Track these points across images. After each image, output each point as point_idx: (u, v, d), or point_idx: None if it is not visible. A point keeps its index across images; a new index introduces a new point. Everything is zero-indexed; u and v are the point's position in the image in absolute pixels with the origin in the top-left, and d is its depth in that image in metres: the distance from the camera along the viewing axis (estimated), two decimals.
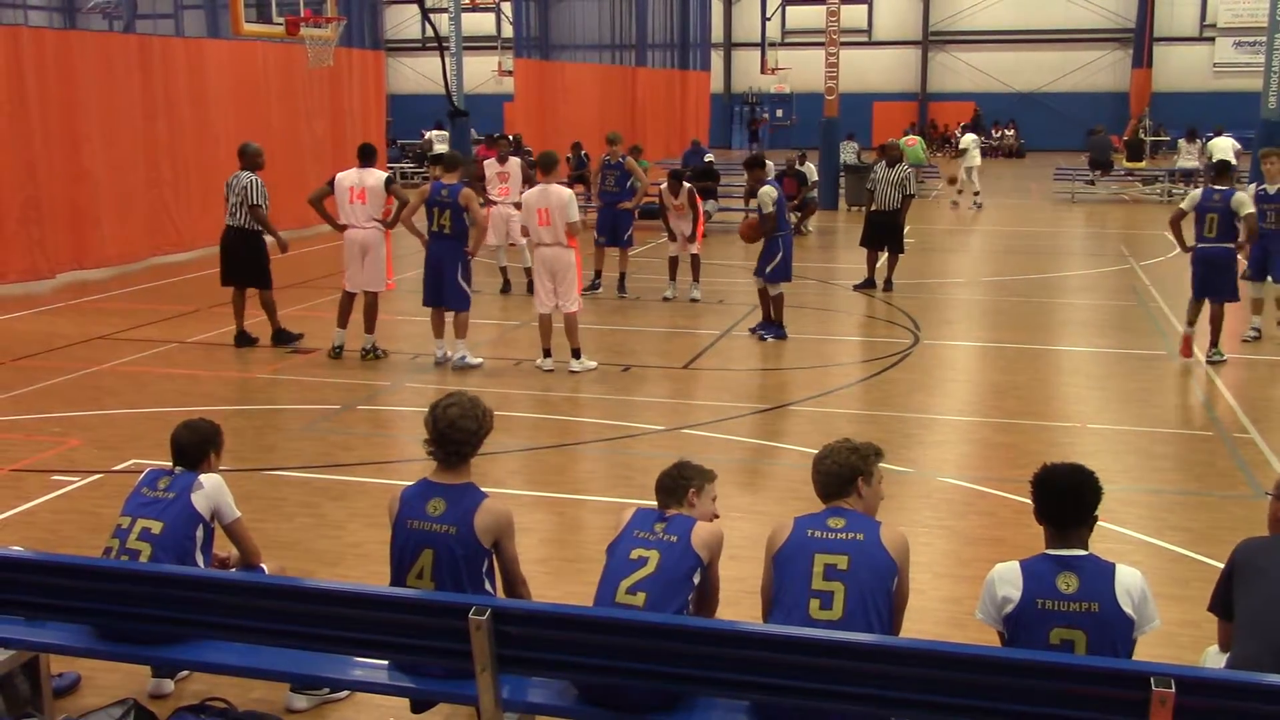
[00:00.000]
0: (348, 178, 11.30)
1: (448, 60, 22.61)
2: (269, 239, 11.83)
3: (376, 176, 11.31)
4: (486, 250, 13.77)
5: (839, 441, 4.43)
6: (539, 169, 11.23)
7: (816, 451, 4.42)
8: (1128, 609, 3.80)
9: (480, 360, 11.21)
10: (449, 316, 11.10)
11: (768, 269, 12.21)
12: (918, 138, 33.16)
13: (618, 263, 15.20)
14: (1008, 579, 3.92)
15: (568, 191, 11.01)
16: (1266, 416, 9.49)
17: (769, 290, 12.34)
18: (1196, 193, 11.76)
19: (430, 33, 26.10)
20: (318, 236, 19.75)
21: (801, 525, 4.20)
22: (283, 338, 11.86)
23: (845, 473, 4.30)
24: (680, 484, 4.50)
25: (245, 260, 11.69)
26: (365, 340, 11.38)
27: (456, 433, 4.46)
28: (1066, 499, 3.96)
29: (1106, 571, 3.87)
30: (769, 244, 12.24)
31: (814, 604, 4.00)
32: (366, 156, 11.43)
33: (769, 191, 12.24)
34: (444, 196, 10.77)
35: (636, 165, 15.81)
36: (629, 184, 15.29)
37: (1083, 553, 3.92)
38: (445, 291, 10.92)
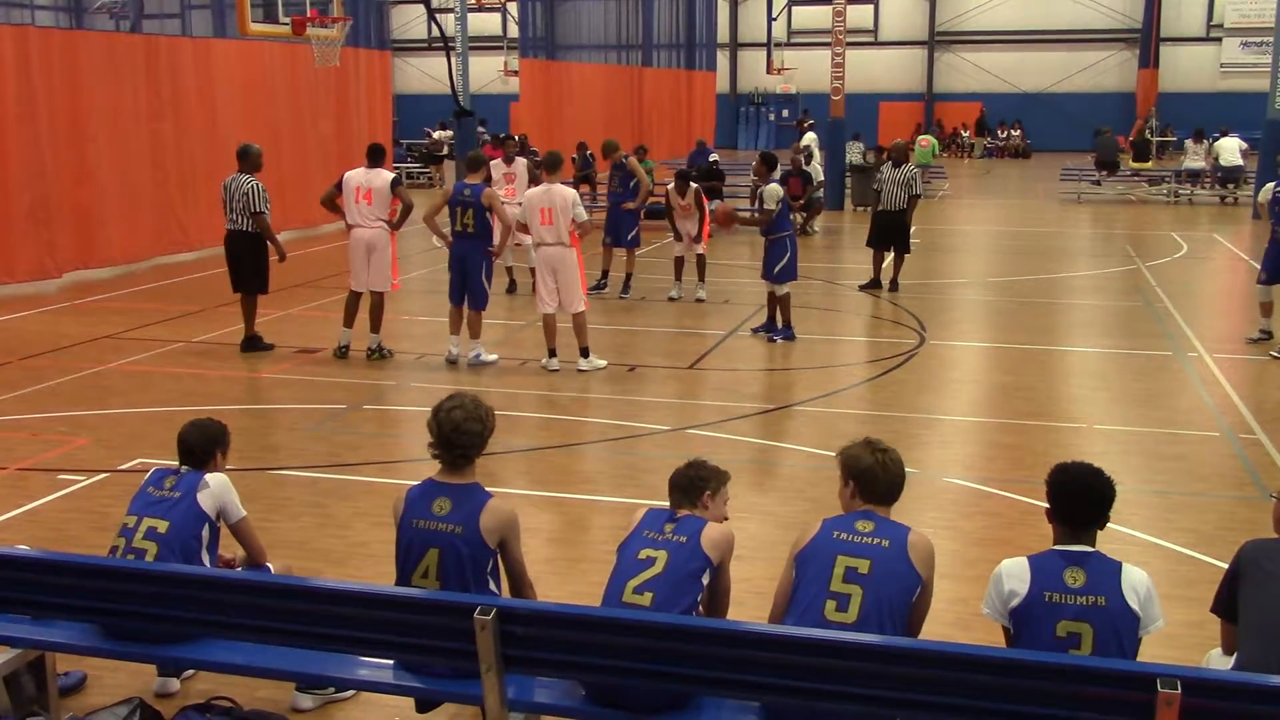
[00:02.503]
0: (355, 177, 11.31)
1: (454, 60, 22.62)
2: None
3: (383, 177, 11.32)
4: None
5: (881, 443, 4.33)
6: (544, 169, 11.25)
7: (848, 458, 4.33)
8: (1134, 605, 3.81)
9: (495, 357, 11.23)
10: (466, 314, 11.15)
11: (775, 269, 12.20)
12: (930, 138, 33.18)
13: (624, 263, 15.20)
14: (1015, 574, 3.94)
15: (571, 191, 11.04)
16: (1273, 418, 9.46)
17: (776, 291, 12.34)
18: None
19: (436, 33, 26.11)
20: (323, 236, 19.81)
21: (829, 526, 4.18)
22: (254, 344, 11.73)
23: (899, 477, 4.27)
24: (697, 484, 4.48)
25: (246, 265, 11.66)
26: (371, 340, 11.39)
27: (462, 435, 4.46)
28: (1085, 500, 3.97)
29: (1114, 568, 3.89)
30: (775, 245, 12.23)
31: (830, 605, 3.98)
32: (374, 156, 11.44)
33: (775, 190, 12.26)
34: (467, 196, 10.80)
35: (638, 165, 15.83)
36: (632, 184, 15.30)
37: (1090, 549, 3.94)
38: (471, 291, 10.95)
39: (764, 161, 12.99)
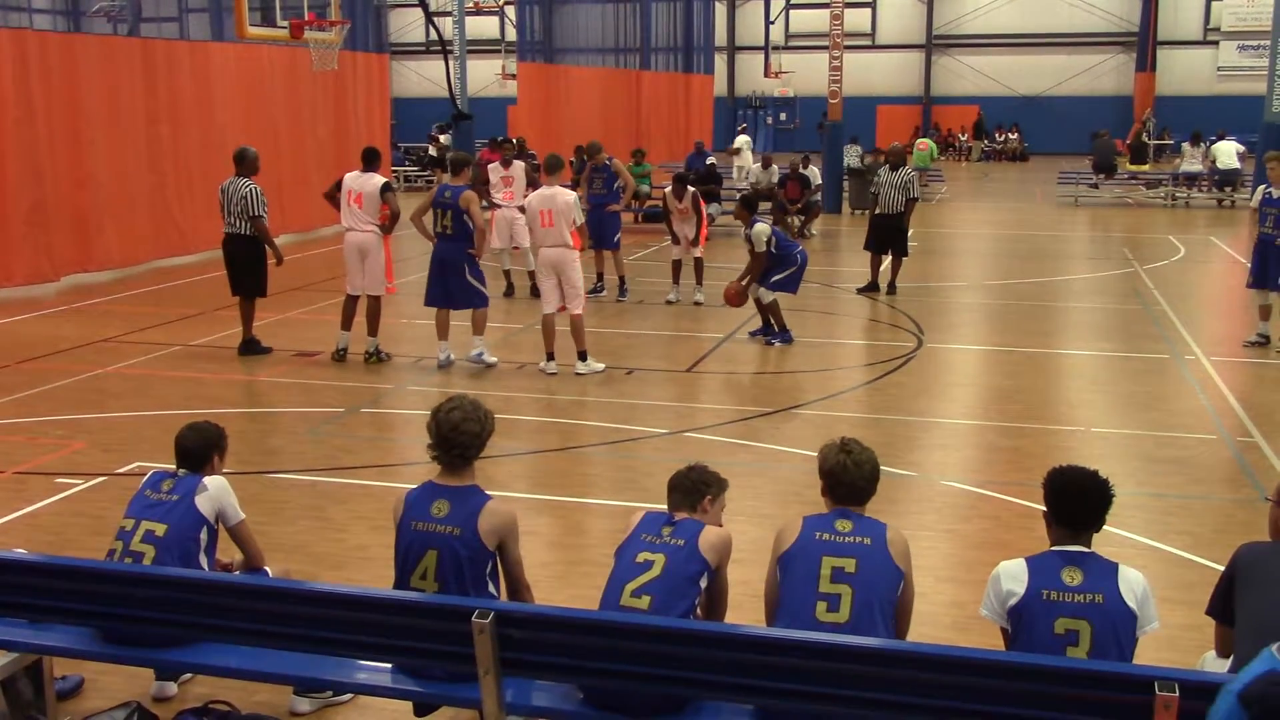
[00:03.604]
0: (350, 180, 11.33)
1: (452, 64, 22.63)
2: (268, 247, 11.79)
3: (374, 182, 11.30)
4: (490, 254, 13.77)
5: (855, 444, 4.31)
6: (543, 171, 11.25)
7: (821, 457, 4.33)
8: (1131, 603, 3.84)
9: (495, 360, 11.23)
10: (458, 317, 11.12)
11: (774, 278, 12.17)
12: (928, 141, 33.26)
13: (614, 266, 15.22)
14: (1013, 574, 3.96)
15: (571, 194, 11.02)
16: (1270, 420, 9.47)
17: (763, 299, 12.32)
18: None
19: (434, 36, 26.12)
20: (321, 240, 19.81)
21: (810, 526, 4.19)
22: (252, 348, 11.72)
23: (869, 479, 4.25)
24: (699, 487, 4.49)
25: (245, 268, 11.66)
26: (369, 343, 11.39)
27: (461, 436, 4.47)
28: (1083, 501, 3.98)
29: (1111, 568, 3.93)
30: (786, 257, 12.21)
31: (821, 606, 3.99)
32: (369, 160, 11.42)
33: (762, 230, 12.22)
34: (447, 198, 10.81)
35: (623, 167, 15.84)
36: (615, 186, 15.31)
37: (1087, 550, 3.97)
38: (455, 292, 10.94)
39: (744, 205, 12.85)
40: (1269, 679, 2.58)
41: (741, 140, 28.97)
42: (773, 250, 12.15)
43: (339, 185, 11.44)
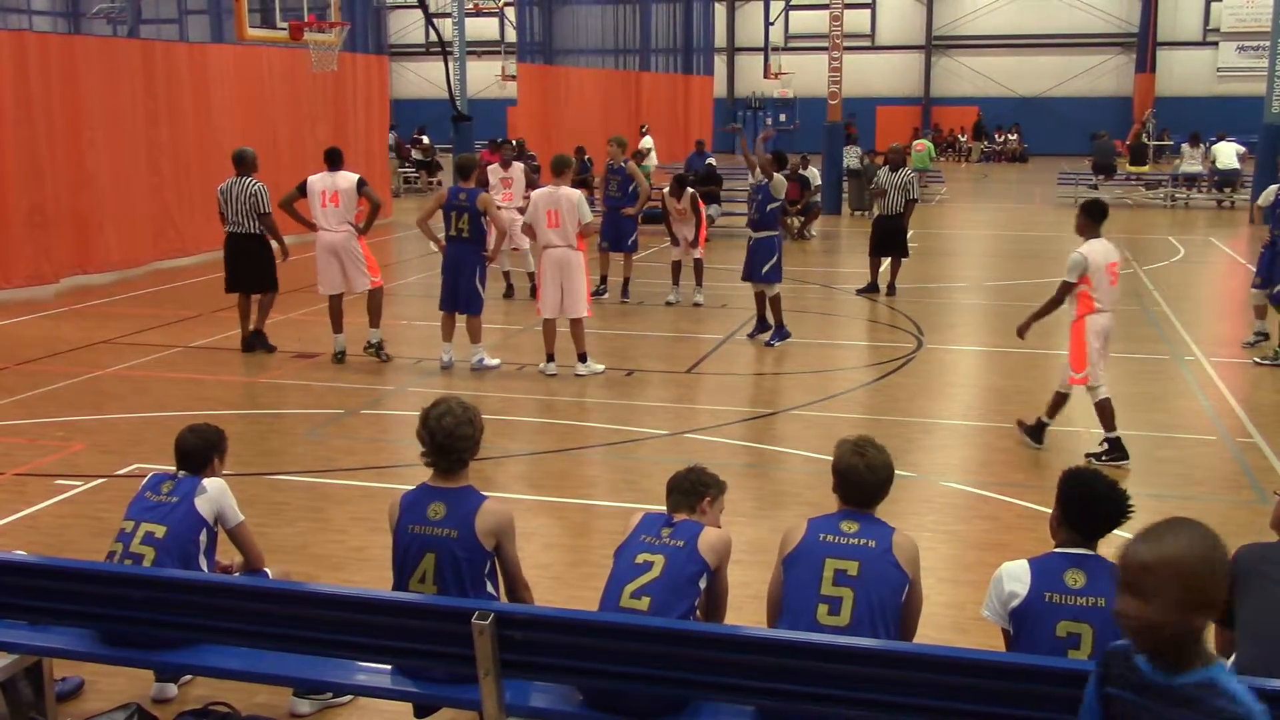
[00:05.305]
0: (319, 181, 11.25)
1: (451, 65, 22.64)
2: (273, 243, 11.82)
3: (348, 179, 11.27)
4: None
5: (866, 442, 4.27)
6: (551, 170, 11.20)
7: (835, 454, 4.29)
8: None
9: (498, 361, 11.22)
10: (460, 321, 11.13)
11: (764, 269, 12.20)
12: (926, 142, 33.28)
13: (622, 268, 15.21)
14: (1016, 575, 3.93)
15: (577, 192, 10.90)
16: (1270, 421, 9.47)
17: (768, 291, 12.33)
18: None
19: (434, 38, 26.14)
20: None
21: (814, 528, 4.17)
22: (259, 342, 11.72)
23: (881, 483, 4.21)
24: (699, 489, 4.48)
25: (255, 266, 11.67)
26: (371, 334, 11.37)
27: (457, 441, 4.45)
28: (1102, 514, 3.95)
29: (1114, 570, 3.88)
30: (763, 244, 12.24)
31: (822, 609, 3.98)
32: (334, 160, 11.37)
33: (783, 181, 12.34)
34: (462, 201, 10.77)
35: (638, 170, 15.80)
36: (631, 188, 15.29)
37: (1091, 552, 3.94)
38: (461, 295, 10.93)
39: (775, 158, 12.90)
40: (1119, 649, 3.03)
41: (646, 143, 28.83)
42: (766, 210, 12.22)
43: (302, 189, 11.35)
